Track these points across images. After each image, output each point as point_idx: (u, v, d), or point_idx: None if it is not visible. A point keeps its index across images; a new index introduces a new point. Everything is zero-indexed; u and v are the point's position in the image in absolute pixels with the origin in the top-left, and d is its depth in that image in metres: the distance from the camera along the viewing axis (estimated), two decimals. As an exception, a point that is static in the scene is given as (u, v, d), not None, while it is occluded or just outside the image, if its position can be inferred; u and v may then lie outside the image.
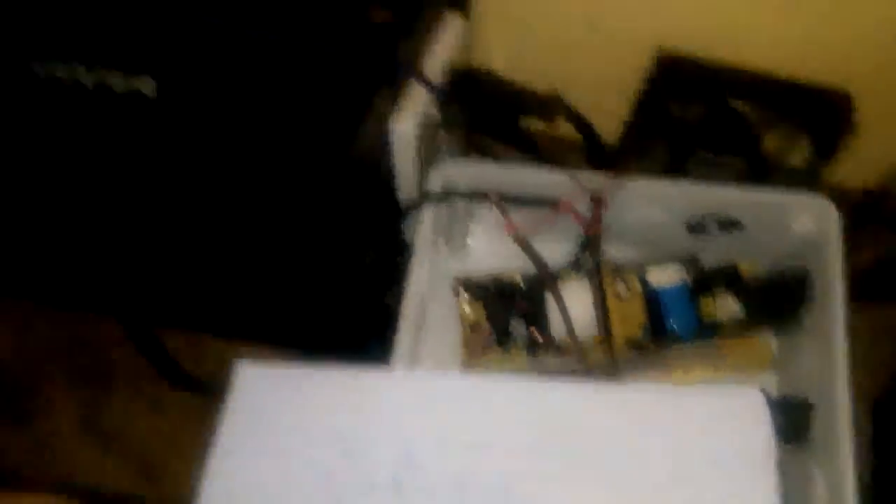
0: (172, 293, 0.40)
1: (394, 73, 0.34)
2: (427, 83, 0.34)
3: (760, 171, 0.38)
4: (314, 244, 0.35)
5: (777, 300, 0.37)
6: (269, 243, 0.35)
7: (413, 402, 0.30)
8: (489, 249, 0.40)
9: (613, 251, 0.39)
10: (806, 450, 0.35)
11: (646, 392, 0.31)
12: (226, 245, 0.36)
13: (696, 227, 0.37)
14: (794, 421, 0.35)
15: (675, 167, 0.38)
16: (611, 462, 0.29)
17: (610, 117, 0.42)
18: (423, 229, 0.34)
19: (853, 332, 0.43)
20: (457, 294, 0.38)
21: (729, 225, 0.37)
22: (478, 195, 0.37)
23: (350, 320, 0.38)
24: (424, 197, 0.36)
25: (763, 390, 0.30)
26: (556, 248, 0.38)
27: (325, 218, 0.34)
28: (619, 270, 0.38)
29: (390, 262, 0.37)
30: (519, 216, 0.36)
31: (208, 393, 0.31)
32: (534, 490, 0.28)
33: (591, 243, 0.36)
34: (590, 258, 0.37)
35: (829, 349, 0.34)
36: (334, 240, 0.34)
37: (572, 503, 0.28)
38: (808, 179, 0.38)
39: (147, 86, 0.32)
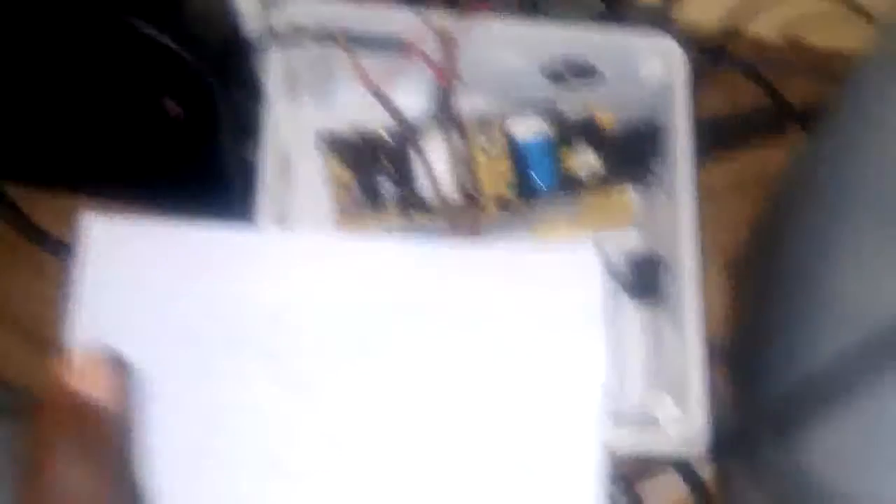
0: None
1: None
2: None
3: (615, 10, 0.37)
4: (141, 79, 0.33)
5: (633, 153, 0.38)
6: (99, 79, 0.33)
7: (280, 262, 0.30)
8: (356, 102, 0.38)
9: (473, 103, 0.38)
10: (658, 307, 0.37)
11: (490, 251, 0.31)
12: (53, 84, 0.34)
13: (553, 75, 0.37)
14: (645, 278, 0.37)
15: (527, 5, 0.37)
16: (455, 319, 0.30)
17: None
18: (274, 75, 0.33)
19: (708, 187, 0.45)
20: (321, 151, 0.37)
21: (584, 72, 0.37)
22: (325, 37, 0.35)
23: (203, 173, 0.37)
24: (268, 37, 0.34)
25: (595, 243, 0.31)
26: (422, 102, 0.37)
27: (154, 51, 0.31)
28: (482, 123, 0.38)
29: (241, 111, 0.36)
30: (374, 63, 0.35)
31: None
32: (391, 345, 0.29)
33: (445, 91, 0.36)
34: (448, 109, 0.36)
35: (676, 203, 0.35)
36: (164, 77, 0.32)
37: (423, 355, 0.29)
38: (661, 19, 0.37)
39: None
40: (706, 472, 0.40)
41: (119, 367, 0.21)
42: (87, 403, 0.20)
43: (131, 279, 0.29)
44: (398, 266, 0.30)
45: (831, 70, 0.45)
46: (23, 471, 0.19)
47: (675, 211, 0.35)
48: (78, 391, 0.20)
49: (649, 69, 0.35)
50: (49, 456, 0.19)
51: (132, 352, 0.28)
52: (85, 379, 0.20)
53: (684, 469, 0.39)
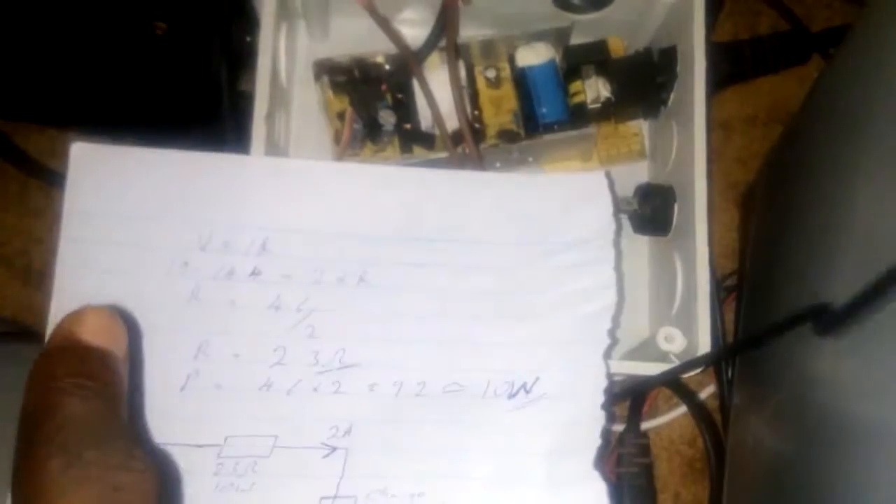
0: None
1: None
2: None
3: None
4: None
5: (645, 82, 0.36)
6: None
7: (272, 189, 0.29)
8: (354, 31, 0.37)
9: (480, 34, 0.37)
10: (668, 239, 0.36)
11: (497, 179, 0.31)
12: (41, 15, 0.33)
13: (564, 3, 0.35)
14: (655, 210, 0.36)
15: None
16: (463, 248, 0.29)
17: None
18: (268, 2, 0.32)
19: (719, 119, 0.44)
20: (318, 79, 0.36)
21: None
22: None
23: (196, 105, 0.36)
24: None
25: (606, 173, 0.30)
26: (424, 32, 0.36)
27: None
28: (487, 51, 0.37)
29: (235, 39, 0.34)
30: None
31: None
32: (389, 276, 0.29)
33: (450, 12, 0.34)
34: (452, 34, 0.35)
35: (688, 133, 0.33)
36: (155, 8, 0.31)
37: (426, 288, 0.29)
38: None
39: None
40: (715, 407, 0.39)
41: (118, 318, 0.23)
42: (90, 347, 0.21)
43: (121, 206, 0.28)
44: (401, 191, 0.30)
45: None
46: (28, 407, 0.20)
47: (688, 142, 0.34)
48: (82, 337, 0.22)
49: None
50: (55, 391, 0.20)
51: (121, 278, 0.27)
52: (87, 327, 0.22)
53: (690, 402, 0.38)
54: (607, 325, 0.28)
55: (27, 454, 0.20)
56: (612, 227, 0.29)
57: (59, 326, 0.22)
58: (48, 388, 0.20)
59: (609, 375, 0.28)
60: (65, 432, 0.19)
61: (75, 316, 0.22)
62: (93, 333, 0.22)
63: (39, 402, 0.20)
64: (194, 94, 0.35)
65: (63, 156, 0.40)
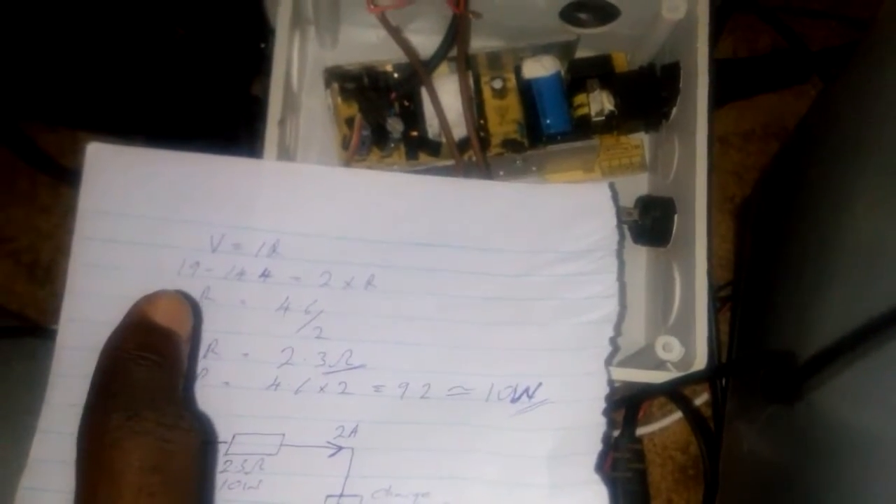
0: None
1: None
2: None
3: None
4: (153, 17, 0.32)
5: (648, 96, 0.37)
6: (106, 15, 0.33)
7: (284, 193, 0.30)
8: (364, 40, 0.38)
9: (488, 45, 0.38)
10: (667, 250, 0.37)
11: (504, 189, 0.31)
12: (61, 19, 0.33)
13: (571, 17, 0.36)
14: (654, 222, 0.37)
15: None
16: (469, 256, 0.30)
17: None
18: (282, 11, 0.32)
19: (725, 136, 0.45)
20: (328, 86, 0.37)
21: (605, 13, 0.36)
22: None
23: (213, 109, 0.37)
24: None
25: (610, 184, 0.31)
26: (433, 41, 0.36)
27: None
28: (494, 62, 0.38)
29: (249, 47, 0.35)
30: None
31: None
32: (396, 281, 0.29)
33: (459, 21, 0.35)
34: (461, 44, 0.35)
35: (690, 147, 0.34)
36: (175, 15, 0.32)
37: (431, 293, 0.29)
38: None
39: None
40: (709, 415, 0.40)
41: (187, 304, 0.26)
42: (158, 325, 0.24)
43: (134, 206, 0.29)
44: (410, 198, 0.30)
45: (854, 17, 0.44)
46: (99, 371, 0.23)
47: (689, 155, 0.34)
48: (152, 317, 0.25)
49: (672, 7, 0.34)
50: (123, 359, 0.23)
51: (134, 277, 0.28)
52: (158, 309, 0.25)
53: (687, 410, 0.39)
54: (609, 333, 0.29)
55: (94, 409, 0.23)
56: (616, 237, 0.30)
57: (135, 306, 0.25)
58: (117, 356, 0.24)
59: (610, 382, 0.29)
60: (128, 393, 0.23)
61: (150, 298, 0.25)
62: (162, 315, 0.25)
63: (109, 366, 0.23)
64: (208, 98, 0.36)
65: (73, 154, 0.41)
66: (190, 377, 0.28)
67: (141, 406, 0.22)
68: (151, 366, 0.23)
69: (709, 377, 0.35)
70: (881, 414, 0.24)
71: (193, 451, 0.23)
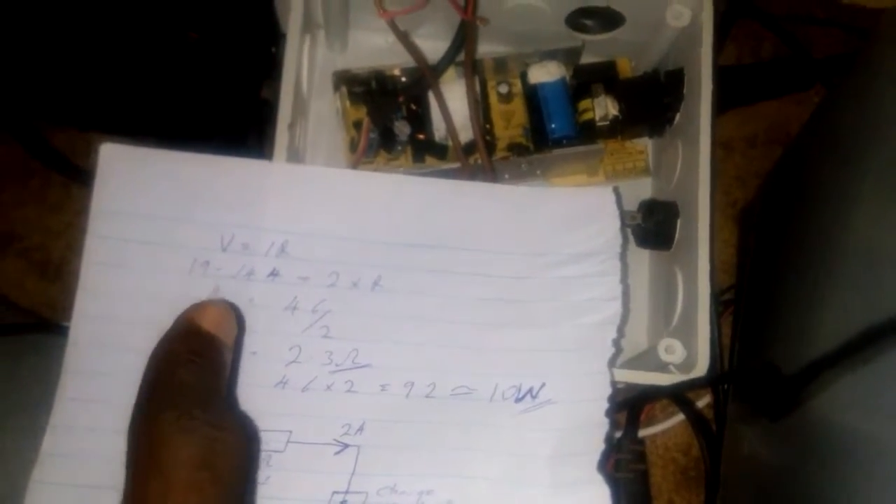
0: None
1: None
2: None
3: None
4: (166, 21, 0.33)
5: (652, 102, 0.38)
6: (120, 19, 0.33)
7: (293, 194, 0.30)
8: (372, 46, 0.39)
9: (494, 51, 0.38)
10: (670, 254, 0.37)
11: (510, 192, 0.32)
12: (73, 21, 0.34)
13: (577, 24, 0.37)
14: (658, 226, 0.37)
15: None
16: (475, 257, 0.30)
17: None
18: (294, 16, 0.33)
19: (727, 141, 0.45)
20: (336, 89, 0.37)
21: (610, 20, 0.36)
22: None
23: (223, 112, 0.37)
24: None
25: (614, 188, 0.31)
26: (440, 46, 0.37)
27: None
28: (500, 67, 0.38)
29: (261, 51, 0.35)
30: (396, 2, 0.35)
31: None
32: (403, 282, 0.30)
33: (466, 27, 0.35)
34: (468, 49, 0.36)
35: (693, 152, 0.34)
36: (188, 19, 0.32)
37: (438, 294, 0.30)
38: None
39: None
40: (711, 417, 0.41)
41: (232, 314, 0.27)
42: (206, 332, 0.26)
43: (146, 206, 0.29)
44: (417, 200, 0.31)
45: (857, 26, 0.44)
46: (149, 373, 0.24)
47: (692, 161, 0.35)
48: (201, 324, 0.26)
49: (676, 14, 0.35)
50: (173, 362, 0.24)
51: (145, 276, 0.29)
52: (206, 316, 0.26)
53: (689, 412, 0.39)
54: (612, 335, 0.30)
55: (146, 408, 0.24)
56: (619, 241, 0.31)
57: (184, 313, 0.26)
58: (168, 359, 0.25)
59: (613, 383, 0.29)
60: (178, 393, 0.24)
61: (199, 306, 0.26)
62: (209, 322, 0.26)
63: (160, 369, 0.24)
64: (219, 101, 0.36)
65: (83, 154, 0.41)
66: (233, 381, 0.28)
67: (191, 405, 0.23)
68: (199, 369, 0.24)
69: (709, 385, 0.35)
70: (881, 421, 0.25)
71: (240, 450, 0.24)
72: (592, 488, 0.28)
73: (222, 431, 0.23)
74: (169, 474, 0.22)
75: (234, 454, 0.23)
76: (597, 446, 0.28)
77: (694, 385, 0.32)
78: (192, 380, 0.24)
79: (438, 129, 0.38)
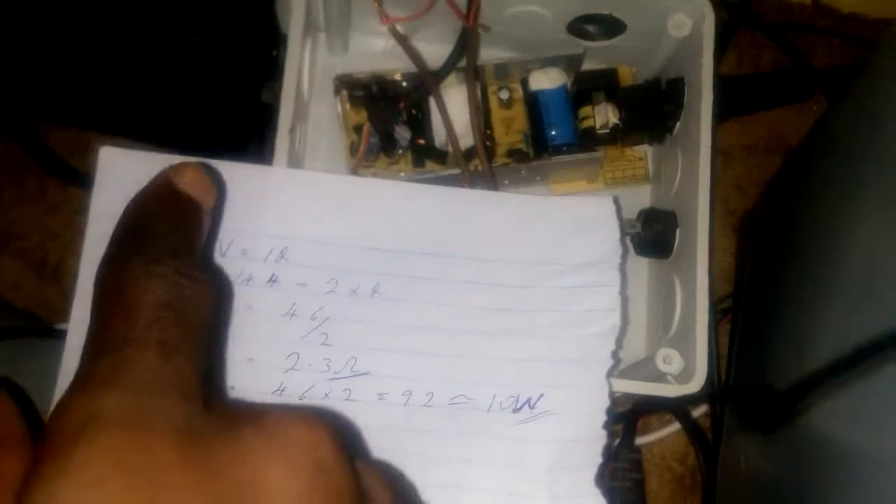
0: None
1: None
2: None
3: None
4: (169, 27, 0.33)
5: (652, 110, 0.38)
6: (123, 23, 0.33)
7: (293, 200, 0.30)
8: (373, 51, 0.39)
9: (496, 56, 0.38)
10: (668, 263, 0.37)
11: (511, 200, 0.32)
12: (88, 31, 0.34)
13: (578, 31, 0.37)
14: (657, 234, 0.37)
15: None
16: (474, 266, 0.30)
17: None
18: (295, 19, 0.33)
19: (727, 149, 0.45)
20: (337, 93, 0.37)
21: (612, 28, 0.36)
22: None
23: (224, 115, 0.37)
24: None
25: (614, 199, 0.31)
26: (441, 51, 0.37)
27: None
28: (501, 73, 0.38)
29: (261, 55, 0.35)
30: (398, 7, 0.35)
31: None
32: (401, 289, 0.30)
33: (468, 33, 0.35)
34: (469, 55, 0.36)
35: (693, 161, 0.34)
36: (190, 23, 0.32)
37: (437, 302, 0.30)
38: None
39: None
40: (707, 426, 0.41)
41: (212, 178, 0.26)
42: (182, 192, 0.25)
43: None
44: (417, 207, 0.30)
45: (858, 35, 0.44)
46: (121, 224, 0.24)
47: (692, 169, 0.35)
48: (177, 185, 0.25)
49: (678, 24, 0.35)
50: (146, 215, 0.24)
51: None
52: (183, 178, 0.25)
53: (686, 422, 0.40)
54: (611, 346, 0.29)
55: (115, 254, 0.23)
56: (619, 251, 0.31)
57: (161, 174, 0.25)
58: (140, 212, 0.24)
59: (611, 395, 0.29)
60: (148, 242, 0.23)
61: (177, 167, 0.25)
62: (187, 184, 0.25)
63: (131, 220, 0.24)
64: (220, 104, 0.36)
65: (81, 155, 0.41)
66: (209, 246, 0.28)
67: (161, 254, 0.23)
68: (173, 225, 0.24)
69: (704, 400, 0.35)
70: (876, 435, 0.25)
71: (209, 301, 0.23)
72: (590, 501, 0.28)
73: (192, 281, 0.22)
74: (133, 310, 0.21)
75: (203, 304, 0.23)
76: (594, 459, 0.28)
77: (690, 401, 0.32)
78: (165, 232, 0.23)
79: (439, 135, 0.37)
